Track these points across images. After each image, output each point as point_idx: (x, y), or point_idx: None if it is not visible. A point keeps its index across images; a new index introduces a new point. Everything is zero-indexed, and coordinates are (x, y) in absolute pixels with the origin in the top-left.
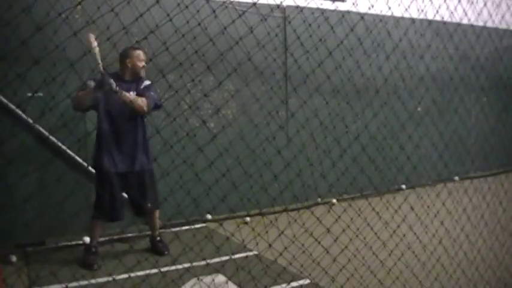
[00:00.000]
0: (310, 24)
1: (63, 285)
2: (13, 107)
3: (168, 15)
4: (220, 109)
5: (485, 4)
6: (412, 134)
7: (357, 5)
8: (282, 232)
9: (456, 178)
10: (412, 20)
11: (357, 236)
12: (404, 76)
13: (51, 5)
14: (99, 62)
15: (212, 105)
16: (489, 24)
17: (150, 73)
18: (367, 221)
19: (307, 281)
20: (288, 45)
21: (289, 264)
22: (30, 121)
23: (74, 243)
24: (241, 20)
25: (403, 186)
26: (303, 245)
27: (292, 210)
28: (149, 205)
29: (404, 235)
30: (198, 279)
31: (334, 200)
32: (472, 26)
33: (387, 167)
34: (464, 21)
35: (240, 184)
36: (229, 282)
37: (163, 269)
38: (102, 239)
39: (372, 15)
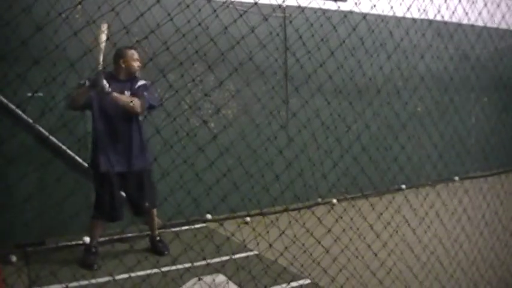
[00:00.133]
0: (312, 24)
1: (63, 285)
2: (13, 107)
3: (168, 14)
4: (221, 109)
5: (485, 4)
6: (412, 134)
7: (359, 3)
8: (283, 233)
9: (456, 178)
10: (414, 20)
11: (360, 237)
12: (405, 76)
13: (51, 5)
14: (100, 59)
15: (213, 105)
16: (489, 24)
17: (151, 73)
18: (367, 220)
19: (307, 281)
20: (289, 45)
21: (290, 264)
22: (30, 121)
23: (74, 243)
24: (242, 19)
25: (403, 186)
26: (303, 244)
27: (293, 210)
28: (146, 204)
29: (404, 235)
30: (198, 278)
31: (335, 200)
32: (472, 26)
33: (387, 167)
34: (465, 21)
35: (240, 184)
36: (230, 282)
37: (164, 269)
38: (102, 239)
39: (373, 15)
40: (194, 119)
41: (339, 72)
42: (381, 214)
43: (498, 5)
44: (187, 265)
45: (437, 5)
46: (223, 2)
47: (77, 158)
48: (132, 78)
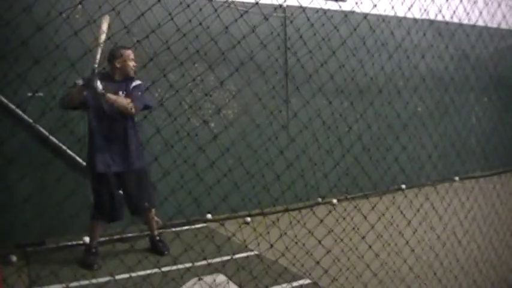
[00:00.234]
0: (312, 24)
1: (64, 285)
2: (13, 107)
3: (169, 14)
4: (221, 109)
5: (486, 4)
6: (412, 134)
7: (361, 3)
8: (285, 233)
9: (456, 178)
10: (415, 20)
11: (363, 238)
12: (406, 76)
13: (51, 5)
14: (97, 58)
15: (214, 105)
16: (490, 24)
17: (151, 72)
18: (367, 220)
19: (307, 281)
20: (290, 45)
21: (290, 264)
22: (31, 121)
23: (74, 243)
24: (243, 19)
25: (403, 186)
26: (304, 244)
27: (293, 210)
28: (145, 204)
29: (403, 234)
30: (198, 278)
31: (335, 200)
32: (473, 26)
33: (387, 167)
34: (465, 21)
35: (241, 184)
36: (230, 282)
37: (164, 269)
38: (102, 239)
39: (374, 15)
40: (195, 119)
41: (339, 72)
42: (383, 215)
43: (499, 5)
44: (187, 265)
45: (438, 4)
46: (224, 2)
47: (77, 158)
48: (127, 78)
